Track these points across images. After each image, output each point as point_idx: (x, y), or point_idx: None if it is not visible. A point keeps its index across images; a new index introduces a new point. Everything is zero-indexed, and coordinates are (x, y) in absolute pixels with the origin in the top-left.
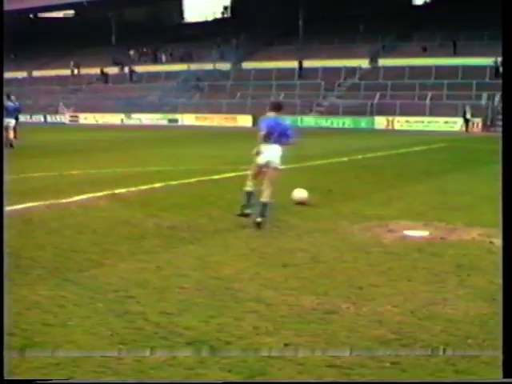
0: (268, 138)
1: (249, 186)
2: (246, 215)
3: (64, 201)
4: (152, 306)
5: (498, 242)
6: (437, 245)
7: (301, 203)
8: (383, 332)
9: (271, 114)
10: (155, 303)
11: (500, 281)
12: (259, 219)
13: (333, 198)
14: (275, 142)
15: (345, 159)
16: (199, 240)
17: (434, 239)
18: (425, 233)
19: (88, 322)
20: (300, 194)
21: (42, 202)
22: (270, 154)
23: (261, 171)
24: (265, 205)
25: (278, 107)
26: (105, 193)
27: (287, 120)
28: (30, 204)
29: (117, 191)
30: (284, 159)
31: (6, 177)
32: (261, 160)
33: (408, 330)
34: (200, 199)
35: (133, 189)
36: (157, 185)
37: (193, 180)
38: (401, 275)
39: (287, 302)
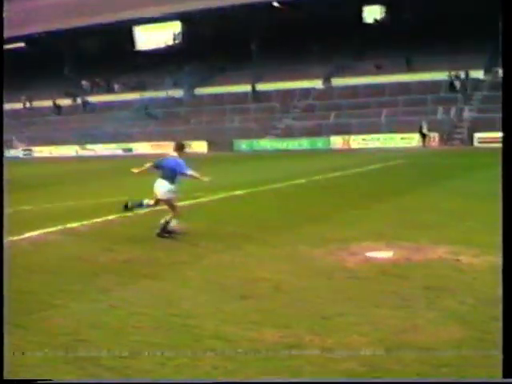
0: (160, 174)
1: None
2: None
3: (15, 238)
4: (105, 350)
5: (466, 259)
6: (402, 266)
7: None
8: (352, 365)
9: (173, 154)
10: (108, 346)
11: (500, 282)
12: (158, 231)
13: (292, 222)
14: (163, 177)
15: (303, 181)
16: (155, 274)
17: (399, 260)
18: (389, 254)
19: (35, 372)
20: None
21: None
22: (157, 187)
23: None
24: (166, 222)
25: (178, 148)
26: (57, 228)
27: (181, 161)
28: None
29: (70, 225)
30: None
31: None
32: (154, 190)
33: (378, 361)
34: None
35: (86, 222)
36: (111, 217)
37: (148, 210)
38: (366, 301)
39: (248, 338)
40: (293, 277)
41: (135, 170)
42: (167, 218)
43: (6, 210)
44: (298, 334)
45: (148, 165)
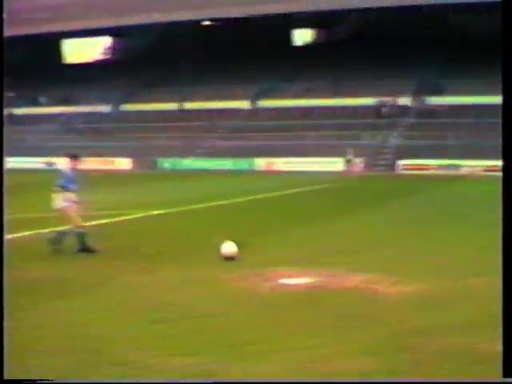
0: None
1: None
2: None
3: None
4: (2, 375)
5: (382, 288)
6: (317, 294)
7: (230, 258)
8: None
9: (66, 166)
10: (6, 371)
11: (500, 283)
12: (50, 244)
13: (209, 245)
14: (57, 188)
15: (224, 202)
16: (64, 294)
17: (314, 287)
18: (304, 280)
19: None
20: (231, 248)
21: None
22: (53, 200)
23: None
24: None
25: (69, 159)
26: None
27: (68, 174)
28: None
29: None
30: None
31: None
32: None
33: None
34: (70, 248)
35: None
36: (26, 233)
37: (63, 228)
38: (278, 329)
39: (154, 365)
40: (205, 302)
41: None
42: (62, 230)
43: (6, 216)
44: (207, 361)
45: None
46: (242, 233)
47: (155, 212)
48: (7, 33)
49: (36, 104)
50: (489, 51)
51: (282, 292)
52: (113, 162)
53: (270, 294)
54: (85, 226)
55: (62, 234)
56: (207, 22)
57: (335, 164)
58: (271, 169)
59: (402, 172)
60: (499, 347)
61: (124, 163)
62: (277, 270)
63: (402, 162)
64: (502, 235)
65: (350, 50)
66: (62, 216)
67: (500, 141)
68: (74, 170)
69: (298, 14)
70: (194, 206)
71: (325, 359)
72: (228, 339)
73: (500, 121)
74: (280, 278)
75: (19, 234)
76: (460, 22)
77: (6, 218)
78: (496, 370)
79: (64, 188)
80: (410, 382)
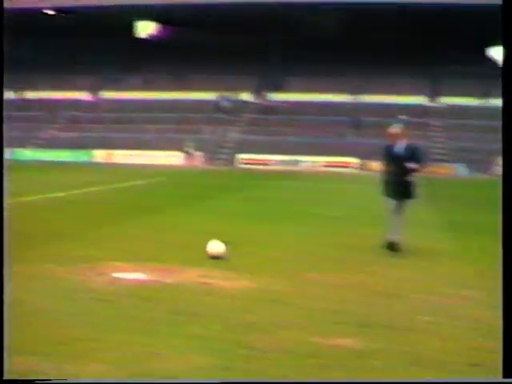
0: None
1: None
2: None
3: None
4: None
5: (217, 282)
6: (150, 288)
7: (216, 257)
8: None
9: None
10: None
11: (500, 283)
12: None
13: (40, 238)
14: None
15: (61, 194)
16: None
17: (148, 282)
18: (138, 275)
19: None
20: (217, 247)
21: None
22: None
23: None
24: None
25: None
26: None
27: None
28: None
29: None
30: None
31: None
32: None
33: None
34: None
35: None
36: None
37: None
38: (109, 325)
39: None
40: (34, 297)
41: None
42: None
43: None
44: (33, 361)
45: None
46: (77, 226)
47: None
48: None
49: None
50: (330, 51)
51: (115, 287)
52: None
53: (103, 288)
54: None
55: None
56: (51, 12)
57: (175, 157)
58: (110, 161)
59: (242, 166)
60: (337, 340)
61: None
62: (110, 264)
63: (241, 157)
64: (502, 239)
65: (193, 43)
66: None
67: (341, 138)
68: None
69: (142, 6)
70: (28, 199)
71: (157, 356)
72: (57, 336)
73: (339, 118)
74: (113, 272)
75: None
76: (303, 21)
77: None
78: (330, 363)
79: None
80: (410, 382)
